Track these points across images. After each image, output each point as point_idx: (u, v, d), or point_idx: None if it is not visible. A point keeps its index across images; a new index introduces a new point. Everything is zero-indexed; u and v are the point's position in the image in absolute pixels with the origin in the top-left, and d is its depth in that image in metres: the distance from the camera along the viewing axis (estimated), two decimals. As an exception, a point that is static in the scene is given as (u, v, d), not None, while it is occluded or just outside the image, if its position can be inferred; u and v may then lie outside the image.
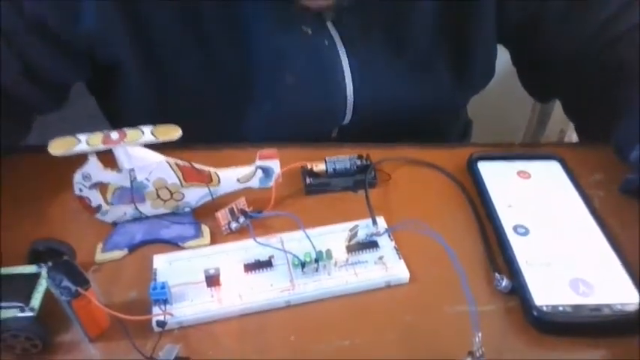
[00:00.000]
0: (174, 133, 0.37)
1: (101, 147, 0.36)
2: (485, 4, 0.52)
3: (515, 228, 0.41)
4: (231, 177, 0.42)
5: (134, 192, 0.40)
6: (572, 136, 0.82)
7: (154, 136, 0.37)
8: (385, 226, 0.41)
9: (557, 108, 0.88)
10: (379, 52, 0.52)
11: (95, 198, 0.40)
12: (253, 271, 0.38)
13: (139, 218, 0.42)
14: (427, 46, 0.53)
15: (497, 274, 0.37)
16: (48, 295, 0.34)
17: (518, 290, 0.36)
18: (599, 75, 0.52)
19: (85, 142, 0.36)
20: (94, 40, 0.47)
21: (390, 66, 0.53)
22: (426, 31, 0.52)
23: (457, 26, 0.52)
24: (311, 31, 0.49)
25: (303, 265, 0.37)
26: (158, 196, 0.41)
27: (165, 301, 0.35)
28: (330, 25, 0.50)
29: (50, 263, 0.35)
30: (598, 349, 0.34)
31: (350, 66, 0.51)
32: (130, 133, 0.37)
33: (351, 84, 0.52)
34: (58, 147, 0.36)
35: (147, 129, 0.37)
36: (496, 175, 0.46)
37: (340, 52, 0.51)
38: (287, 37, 0.50)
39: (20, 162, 0.46)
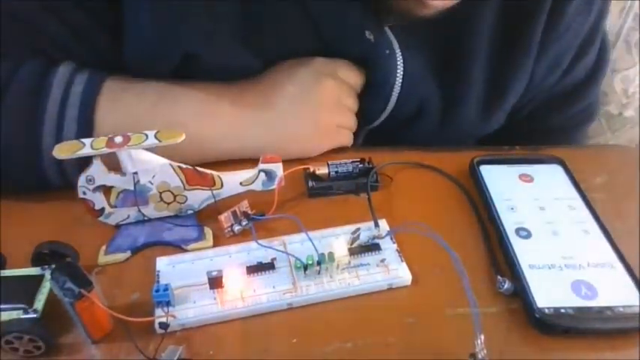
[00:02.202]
0: (177, 136, 0.37)
1: (105, 150, 0.37)
2: (529, 54, 0.50)
3: (517, 231, 0.41)
4: (234, 180, 0.42)
5: (137, 195, 0.40)
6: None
7: (158, 140, 0.37)
8: (387, 228, 0.41)
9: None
10: (426, 67, 0.50)
11: (99, 201, 0.40)
12: (256, 274, 0.38)
13: (142, 221, 0.42)
14: (470, 75, 0.51)
15: (499, 277, 0.37)
16: (51, 297, 0.34)
17: (521, 292, 0.36)
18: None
19: (89, 146, 0.37)
20: None
21: (431, 83, 0.51)
22: (474, 59, 0.50)
23: (500, 65, 0.51)
24: (373, 38, 0.47)
25: (305, 267, 0.37)
26: (161, 199, 0.41)
27: (168, 303, 0.35)
28: (387, 30, 0.48)
29: (54, 265, 0.35)
30: (600, 351, 0.34)
31: (403, 77, 0.49)
32: (134, 136, 0.37)
33: (397, 94, 0.50)
34: (62, 151, 0.36)
35: (151, 133, 0.37)
36: (498, 178, 0.46)
37: (398, 62, 0.48)
38: (350, 44, 0.48)
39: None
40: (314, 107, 0.47)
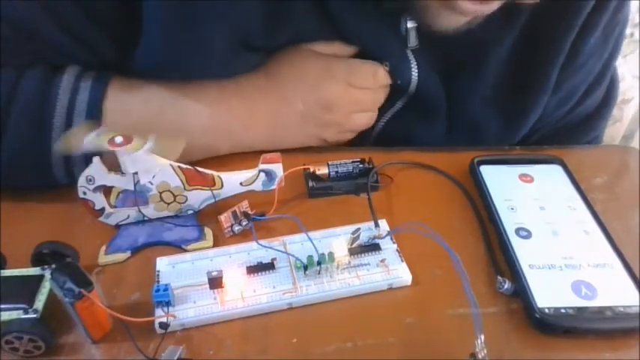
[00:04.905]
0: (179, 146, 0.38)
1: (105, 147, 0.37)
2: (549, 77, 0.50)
3: (517, 231, 0.41)
4: (234, 180, 0.42)
5: (137, 195, 0.40)
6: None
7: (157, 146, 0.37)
8: (387, 228, 0.41)
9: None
10: (438, 83, 0.51)
11: (99, 201, 0.40)
12: (256, 274, 0.38)
13: (142, 221, 0.42)
14: (485, 105, 0.51)
15: (499, 277, 0.37)
16: (51, 297, 0.34)
17: (521, 293, 0.36)
18: None
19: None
20: None
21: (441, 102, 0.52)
22: (481, 89, 0.51)
23: (515, 99, 0.51)
24: (389, 67, 0.48)
25: (305, 267, 0.37)
26: (161, 199, 0.41)
27: (168, 303, 0.35)
28: (411, 56, 0.48)
29: (54, 265, 0.35)
30: (600, 351, 0.34)
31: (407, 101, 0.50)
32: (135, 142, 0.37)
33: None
34: (62, 148, 0.36)
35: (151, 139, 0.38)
36: (498, 178, 0.46)
37: (412, 80, 0.49)
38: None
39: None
40: (320, 112, 0.48)
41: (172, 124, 0.45)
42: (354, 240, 0.39)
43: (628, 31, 0.88)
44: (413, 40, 0.47)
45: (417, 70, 0.48)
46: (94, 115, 0.42)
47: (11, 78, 0.41)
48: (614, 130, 1.02)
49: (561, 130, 0.57)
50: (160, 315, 0.34)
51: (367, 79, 0.48)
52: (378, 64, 0.48)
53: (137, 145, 0.37)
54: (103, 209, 0.41)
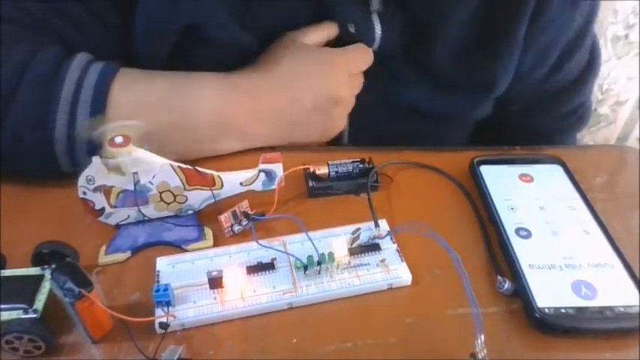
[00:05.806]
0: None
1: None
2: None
3: (517, 231, 0.41)
4: (234, 180, 0.42)
5: (137, 195, 0.40)
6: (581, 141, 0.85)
7: None
8: (387, 228, 0.41)
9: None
10: (401, 45, 0.51)
11: (99, 201, 0.40)
12: (256, 274, 0.38)
13: (142, 221, 0.42)
14: (454, 60, 0.52)
15: (499, 277, 0.37)
16: (51, 297, 0.34)
17: (521, 293, 0.36)
18: None
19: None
20: None
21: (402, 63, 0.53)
22: (444, 44, 0.51)
23: (486, 45, 0.52)
24: (355, 28, 0.49)
25: (305, 267, 0.37)
26: (161, 199, 0.41)
27: (168, 303, 0.35)
28: (375, 18, 0.49)
29: (54, 265, 0.35)
30: (600, 351, 0.34)
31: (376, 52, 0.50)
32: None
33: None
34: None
35: None
36: (498, 178, 0.46)
37: (375, 44, 0.50)
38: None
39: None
40: (329, 106, 0.49)
41: (180, 108, 0.45)
42: (354, 240, 0.39)
43: (622, 32, 0.88)
44: (376, 3, 0.48)
45: (380, 32, 0.50)
46: (101, 93, 0.42)
47: (25, 51, 0.42)
48: (608, 132, 1.02)
49: (546, 96, 0.58)
50: (160, 315, 0.34)
51: (362, 62, 0.50)
52: (365, 45, 0.50)
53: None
54: (103, 209, 0.41)
